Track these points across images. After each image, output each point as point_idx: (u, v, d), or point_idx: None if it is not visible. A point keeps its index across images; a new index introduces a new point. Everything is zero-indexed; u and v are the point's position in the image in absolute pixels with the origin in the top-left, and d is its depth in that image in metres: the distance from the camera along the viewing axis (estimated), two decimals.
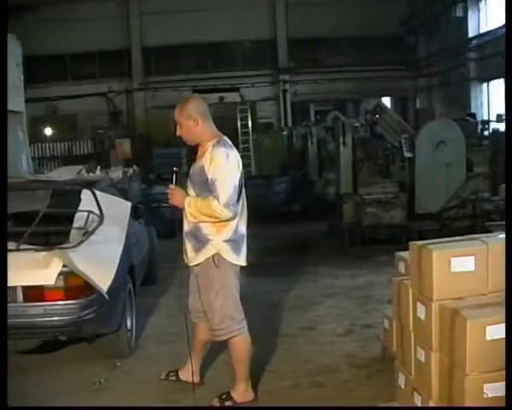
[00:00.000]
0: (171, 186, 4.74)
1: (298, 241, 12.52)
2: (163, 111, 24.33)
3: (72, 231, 5.71)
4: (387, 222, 10.84)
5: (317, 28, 24.99)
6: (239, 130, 20.81)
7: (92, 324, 5.35)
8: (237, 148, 16.91)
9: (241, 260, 4.87)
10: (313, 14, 24.76)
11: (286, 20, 26.50)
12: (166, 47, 26.44)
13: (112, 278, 5.31)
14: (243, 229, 4.88)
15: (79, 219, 5.82)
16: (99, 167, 9.60)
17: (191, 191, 4.74)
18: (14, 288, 5.17)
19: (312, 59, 26.93)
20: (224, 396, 4.91)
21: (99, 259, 5.31)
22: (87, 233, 5.56)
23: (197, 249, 4.76)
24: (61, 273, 5.12)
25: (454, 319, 3.56)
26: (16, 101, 17.30)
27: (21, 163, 16.13)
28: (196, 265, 4.81)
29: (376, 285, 8.35)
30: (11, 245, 5.43)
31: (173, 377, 5.27)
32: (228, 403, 4.88)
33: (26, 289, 5.18)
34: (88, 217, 5.78)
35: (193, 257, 4.80)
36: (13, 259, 5.26)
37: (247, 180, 16.32)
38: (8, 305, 5.10)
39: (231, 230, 4.72)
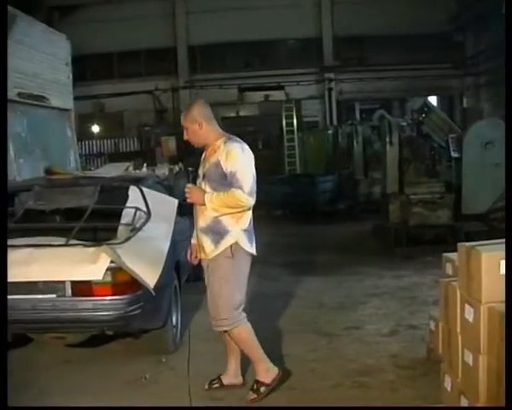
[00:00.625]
0: (188, 185, 4.91)
1: (343, 240, 12.48)
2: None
3: (120, 228, 5.75)
4: (433, 222, 10.73)
5: (363, 26, 24.83)
6: (284, 128, 20.77)
7: (139, 319, 5.40)
8: (282, 146, 17.06)
9: (253, 249, 4.98)
10: (359, 11, 24.65)
11: (331, 18, 26.43)
12: (212, 45, 26.57)
13: (159, 274, 5.35)
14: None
15: (127, 216, 5.86)
16: (145, 164, 9.68)
17: (206, 188, 4.85)
18: (63, 282, 5.26)
19: (358, 57, 26.79)
20: (255, 386, 4.99)
21: (146, 255, 5.36)
22: (134, 229, 5.61)
23: (216, 242, 4.85)
24: (108, 269, 5.18)
25: (503, 322, 3.51)
26: (65, 99, 17.58)
27: (69, 160, 16.39)
28: (213, 257, 4.88)
29: (422, 286, 8.28)
30: (60, 240, 5.54)
31: (217, 385, 5.22)
32: (262, 389, 4.96)
33: (74, 283, 5.24)
34: (135, 213, 5.82)
35: (212, 250, 4.88)
36: (62, 254, 5.38)
37: (292, 178, 16.48)
38: (58, 299, 5.25)
39: (248, 219, 4.91)
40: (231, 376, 5.22)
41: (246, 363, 5.33)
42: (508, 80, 4.36)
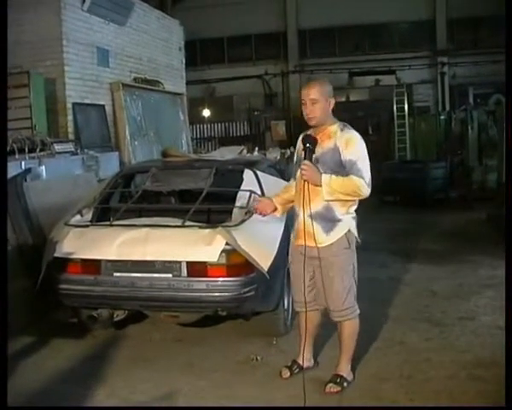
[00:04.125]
0: (306, 162, 4.61)
1: (455, 228, 12.16)
2: None
3: (235, 210, 5.80)
4: None
5: (479, 6, 23.96)
6: (395, 113, 20.39)
7: (251, 301, 5.43)
8: (392, 132, 16.73)
9: (358, 236, 4.89)
10: None
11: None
12: (322, 29, 26.42)
13: (272, 257, 5.38)
14: None
15: (241, 198, 5.90)
16: (257, 148, 9.76)
17: None
18: (179, 263, 5.37)
19: (473, 39, 25.93)
20: (339, 380, 4.92)
21: (260, 238, 5.39)
22: (249, 212, 5.63)
23: (328, 230, 4.73)
24: (223, 251, 5.25)
25: None
26: (178, 83, 18.02)
27: (181, 143, 16.76)
28: (324, 246, 4.74)
29: None
30: (176, 221, 5.66)
31: (297, 370, 5.15)
32: (345, 384, 4.91)
33: (190, 264, 5.35)
34: (250, 196, 5.86)
35: (324, 238, 4.74)
36: (178, 235, 5.50)
37: (403, 165, 16.20)
38: (174, 278, 5.37)
39: (355, 206, 4.83)
40: (306, 359, 5.14)
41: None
42: (508, 80, 4.17)
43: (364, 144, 4.74)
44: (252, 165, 6.59)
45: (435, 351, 5.66)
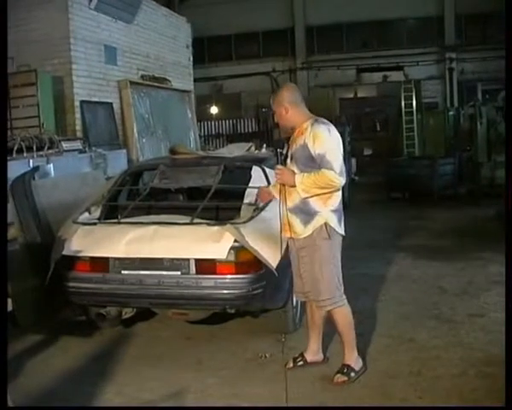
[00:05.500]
0: (278, 166, 4.95)
1: (464, 225, 12.10)
2: (326, 90, 24.37)
3: (243, 207, 5.78)
4: None
5: (487, 2, 23.85)
6: (403, 109, 20.34)
7: (260, 298, 5.42)
8: (400, 128, 16.64)
9: (342, 230, 4.98)
10: None
11: None
12: (330, 25, 26.40)
13: (281, 254, 5.37)
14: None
15: (250, 195, 5.89)
16: (265, 145, 9.71)
17: (294, 169, 4.86)
18: (188, 260, 5.36)
19: (481, 35, 25.83)
20: (346, 370, 4.99)
21: (269, 235, 5.35)
22: (257, 209, 5.63)
23: (306, 222, 4.87)
24: (232, 248, 5.25)
25: None
26: (185, 80, 18.03)
27: (189, 140, 16.76)
28: (305, 237, 4.90)
29: None
30: (184, 219, 5.65)
31: (301, 363, 5.27)
32: (352, 374, 4.97)
33: (198, 261, 5.34)
34: None
35: (301, 230, 4.89)
36: (186, 232, 5.49)
37: (411, 161, 16.16)
38: (182, 276, 5.36)
39: (337, 200, 4.91)
40: (313, 353, 5.29)
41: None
42: (508, 80, 4.15)
43: (335, 137, 4.84)
44: (260, 162, 6.57)
45: (444, 348, 5.63)
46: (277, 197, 5.22)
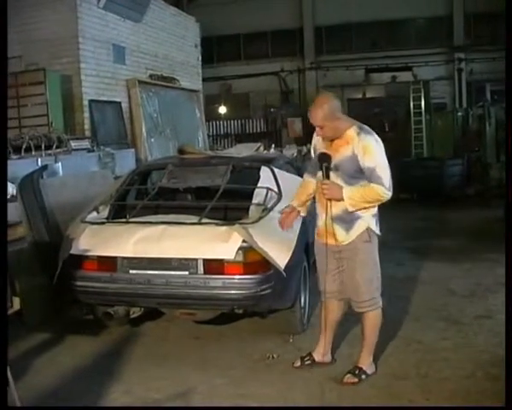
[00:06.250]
0: (325, 181, 4.72)
1: (472, 226, 12.07)
2: (335, 90, 24.31)
3: (252, 207, 5.77)
4: None
5: (496, 2, 23.63)
6: (411, 110, 20.27)
7: (268, 299, 5.40)
8: (409, 129, 16.57)
9: (378, 229, 4.95)
10: None
11: None
12: (338, 25, 26.34)
13: (289, 255, 5.35)
14: None
15: (258, 196, 5.89)
16: (273, 145, 9.73)
17: (338, 181, 4.74)
18: (196, 260, 5.35)
19: (490, 35, 25.70)
20: (357, 371, 4.97)
21: (277, 236, 5.34)
22: (266, 210, 5.62)
23: (348, 228, 4.82)
24: (240, 248, 5.23)
25: None
26: (194, 80, 18.05)
27: (198, 140, 16.77)
28: (348, 243, 4.85)
29: None
30: (193, 219, 5.64)
31: (309, 362, 5.26)
32: (363, 377, 4.95)
33: (206, 261, 5.33)
34: (267, 194, 5.85)
35: (344, 237, 4.84)
36: (194, 232, 5.48)
37: (420, 162, 16.07)
38: (190, 276, 5.35)
39: (377, 205, 4.86)
40: (322, 353, 5.27)
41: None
42: (508, 80, 4.13)
43: (382, 146, 4.73)
44: (268, 162, 6.57)
45: (452, 350, 5.62)
46: (302, 213, 5.27)
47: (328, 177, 4.71)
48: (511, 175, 4.01)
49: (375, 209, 4.86)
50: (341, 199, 4.68)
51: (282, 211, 5.33)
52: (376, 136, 4.75)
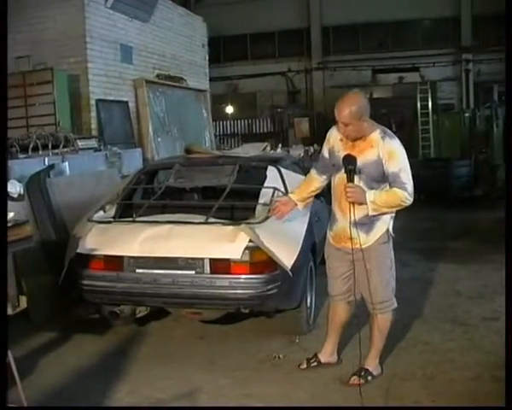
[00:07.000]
0: (350, 185, 4.60)
1: (479, 227, 12.06)
2: (341, 90, 24.27)
3: (258, 207, 5.76)
4: None
5: (504, 2, 23.63)
6: (418, 111, 20.24)
7: (274, 299, 5.40)
8: (416, 129, 16.51)
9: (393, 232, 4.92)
10: None
11: None
12: (345, 26, 26.33)
13: (296, 255, 5.34)
14: None
15: (265, 195, 5.87)
16: (280, 145, 9.72)
17: (360, 184, 4.66)
18: (202, 259, 5.34)
19: (498, 36, 25.61)
20: (364, 373, 4.94)
21: (284, 235, 5.34)
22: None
23: (368, 231, 4.78)
24: (246, 248, 5.22)
25: None
26: (201, 80, 18.04)
27: (205, 139, 16.77)
28: (367, 246, 4.80)
29: None
30: (199, 218, 5.63)
31: (315, 363, 5.24)
32: (369, 378, 4.94)
33: (213, 261, 5.32)
34: (273, 193, 5.83)
35: (364, 239, 4.76)
36: (201, 231, 5.47)
37: (427, 162, 15.99)
38: (196, 275, 5.35)
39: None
40: (329, 354, 5.26)
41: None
42: (508, 80, 4.11)
43: (404, 151, 4.68)
44: (275, 162, 6.56)
45: (459, 352, 5.60)
46: (300, 207, 5.23)
47: (352, 180, 4.60)
48: (511, 175, 3.98)
49: (394, 212, 4.84)
50: (364, 203, 4.61)
51: (276, 200, 5.38)
52: (399, 141, 4.71)
